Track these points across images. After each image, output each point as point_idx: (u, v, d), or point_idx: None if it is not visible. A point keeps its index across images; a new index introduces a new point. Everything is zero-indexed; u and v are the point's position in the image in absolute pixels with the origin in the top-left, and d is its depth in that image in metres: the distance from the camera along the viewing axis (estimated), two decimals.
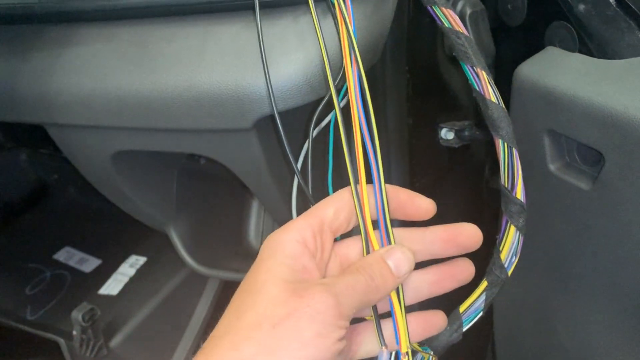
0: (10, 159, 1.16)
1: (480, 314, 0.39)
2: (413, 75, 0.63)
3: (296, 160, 0.43)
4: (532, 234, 0.49)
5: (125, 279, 0.97)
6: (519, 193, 0.37)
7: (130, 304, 0.92)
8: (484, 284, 0.39)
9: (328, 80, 0.38)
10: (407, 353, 0.36)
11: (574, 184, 0.43)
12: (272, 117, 0.44)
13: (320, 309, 0.31)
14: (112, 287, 0.96)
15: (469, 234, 0.38)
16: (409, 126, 0.66)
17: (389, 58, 0.60)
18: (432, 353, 0.39)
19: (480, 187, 0.76)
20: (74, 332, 0.81)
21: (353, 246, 0.38)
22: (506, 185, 0.38)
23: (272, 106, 0.43)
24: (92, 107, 0.51)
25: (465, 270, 0.39)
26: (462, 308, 0.39)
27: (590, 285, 0.45)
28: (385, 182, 0.37)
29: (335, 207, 0.36)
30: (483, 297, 0.39)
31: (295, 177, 0.43)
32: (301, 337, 0.30)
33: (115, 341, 0.86)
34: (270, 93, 0.43)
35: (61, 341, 0.84)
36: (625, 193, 0.39)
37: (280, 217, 0.62)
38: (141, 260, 1.01)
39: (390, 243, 0.36)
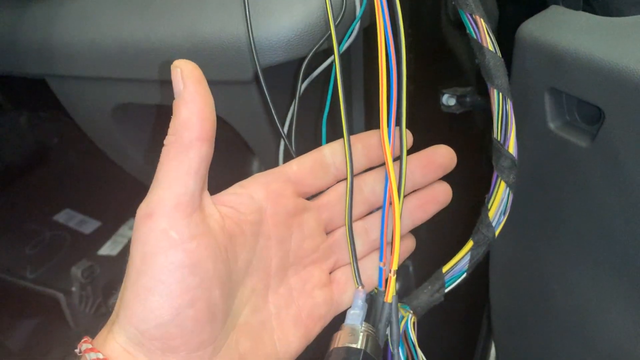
0: (11, 122, 1.16)
1: (464, 275, 0.38)
2: (416, 41, 0.63)
3: (282, 123, 0.43)
4: (530, 194, 0.49)
5: (125, 241, 0.98)
6: (511, 147, 0.37)
7: None
8: (469, 244, 0.38)
9: (330, 24, 0.38)
10: (394, 271, 0.35)
11: (574, 142, 0.43)
12: (272, 68, 0.43)
13: None
14: (111, 248, 0.97)
15: (443, 153, 0.39)
16: (411, 92, 0.65)
17: None
18: (412, 312, 0.38)
19: (480, 156, 0.76)
20: (73, 289, 0.82)
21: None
22: (498, 138, 0.37)
23: (274, 57, 0.42)
24: (93, 57, 0.51)
25: (443, 192, 0.39)
26: (445, 268, 0.38)
27: (586, 243, 0.46)
28: None
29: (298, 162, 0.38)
30: (468, 257, 0.38)
31: (282, 139, 0.43)
32: None
33: (114, 299, 0.87)
34: (251, 43, 0.42)
35: (60, 296, 0.85)
36: (623, 149, 0.39)
37: None
38: None
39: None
